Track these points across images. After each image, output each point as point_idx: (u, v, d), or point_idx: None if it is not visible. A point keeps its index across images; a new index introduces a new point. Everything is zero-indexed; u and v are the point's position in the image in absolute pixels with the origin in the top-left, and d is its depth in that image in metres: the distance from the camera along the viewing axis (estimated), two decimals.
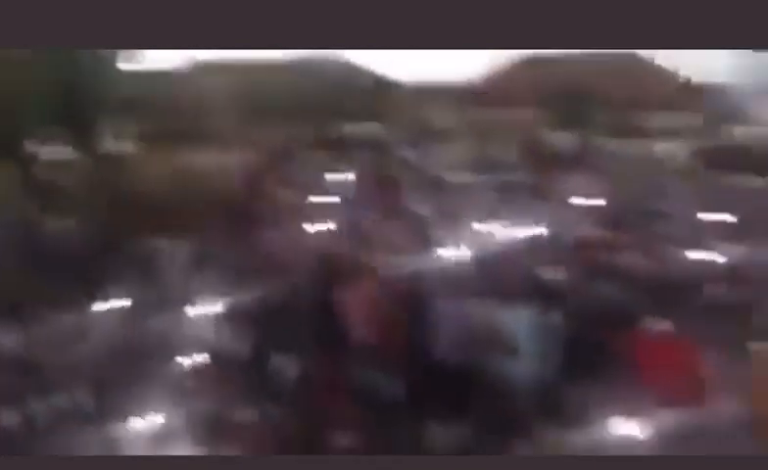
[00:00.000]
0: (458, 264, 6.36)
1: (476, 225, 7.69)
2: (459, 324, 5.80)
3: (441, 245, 6.86)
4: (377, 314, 6.14)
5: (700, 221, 8.20)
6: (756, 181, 10.11)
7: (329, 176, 9.82)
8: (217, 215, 8.46)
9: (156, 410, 4.64)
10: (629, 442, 4.32)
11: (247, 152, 11.08)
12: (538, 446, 4.62)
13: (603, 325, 5.66)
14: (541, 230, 7.54)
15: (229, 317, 5.84)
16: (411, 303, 6.19)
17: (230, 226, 8.09)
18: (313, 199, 8.44)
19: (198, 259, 7.23)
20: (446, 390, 5.51)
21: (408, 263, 6.56)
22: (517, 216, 8.22)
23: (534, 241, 7.33)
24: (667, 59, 14.96)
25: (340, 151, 11.64)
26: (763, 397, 4.84)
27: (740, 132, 12.74)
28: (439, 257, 6.43)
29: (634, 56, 14.77)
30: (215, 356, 5.47)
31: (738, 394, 4.90)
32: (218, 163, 9.50)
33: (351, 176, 9.90)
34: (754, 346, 5.12)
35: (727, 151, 11.58)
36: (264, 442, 4.64)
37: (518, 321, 5.61)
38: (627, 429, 4.35)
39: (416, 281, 6.35)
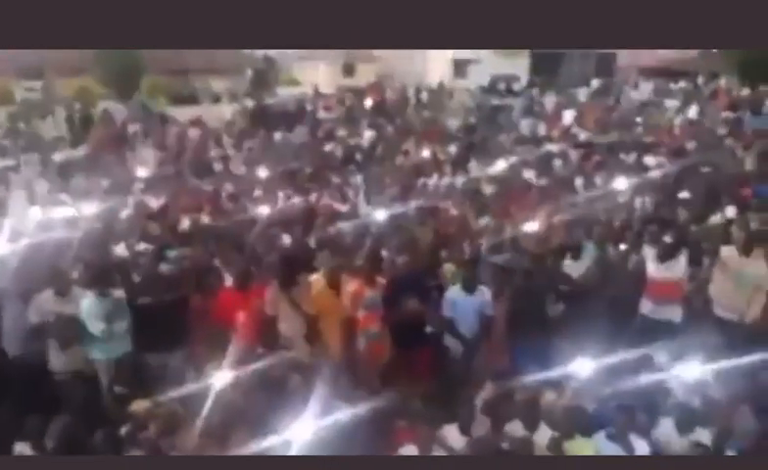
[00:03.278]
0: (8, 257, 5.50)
1: (23, 211, 6.78)
2: (20, 320, 5.10)
3: None
4: None
5: (256, 175, 8.96)
6: (294, 136, 11.61)
7: None
8: None
9: None
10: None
11: None
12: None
13: (175, 290, 5.65)
14: (103, 207, 7.11)
15: None
16: None
17: None
18: None
19: None
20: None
21: None
22: (76, 195, 7.57)
23: (94, 220, 6.87)
24: None
25: None
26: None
27: (279, 94, 14.32)
28: None
29: None
30: None
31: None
32: None
33: None
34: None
35: (269, 110, 12.95)
36: None
37: (83, 305, 5.23)
38: (221, 378, 4.45)
39: None
